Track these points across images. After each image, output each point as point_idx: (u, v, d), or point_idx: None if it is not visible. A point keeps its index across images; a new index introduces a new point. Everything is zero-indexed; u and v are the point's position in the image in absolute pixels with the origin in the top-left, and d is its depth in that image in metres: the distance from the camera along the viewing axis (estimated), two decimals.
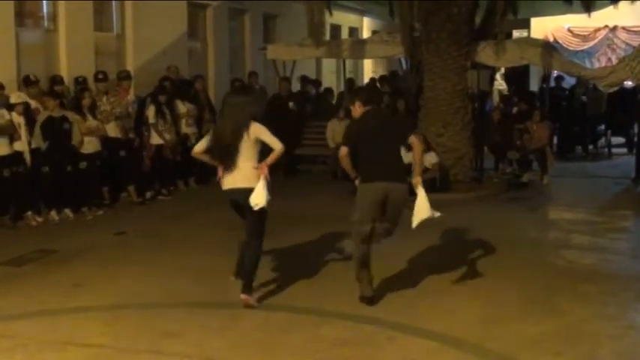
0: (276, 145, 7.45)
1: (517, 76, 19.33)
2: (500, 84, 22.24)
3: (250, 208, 7.36)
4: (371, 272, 7.58)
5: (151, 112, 13.11)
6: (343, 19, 24.90)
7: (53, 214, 11.40)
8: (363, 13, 26.79)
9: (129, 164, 12.76)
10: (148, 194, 13.06)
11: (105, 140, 12.25)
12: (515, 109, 16.36)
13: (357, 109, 7.72)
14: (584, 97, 19.48)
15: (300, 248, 9.71)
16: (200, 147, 7.76)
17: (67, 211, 11.58)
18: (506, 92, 20.78)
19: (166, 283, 8.26)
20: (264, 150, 7.54)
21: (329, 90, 18.71)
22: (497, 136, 15.22)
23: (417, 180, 7.54)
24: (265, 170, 7.41)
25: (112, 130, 12.42)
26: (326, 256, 9.24)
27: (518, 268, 8.69)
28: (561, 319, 7.02)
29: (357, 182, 7.61)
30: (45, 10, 13.37)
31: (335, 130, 15.52)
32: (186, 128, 13.96)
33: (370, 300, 7.47)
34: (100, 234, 10.59)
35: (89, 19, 13.99)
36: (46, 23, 13.42)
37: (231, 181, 7.48)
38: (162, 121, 13.18)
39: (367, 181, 7.48)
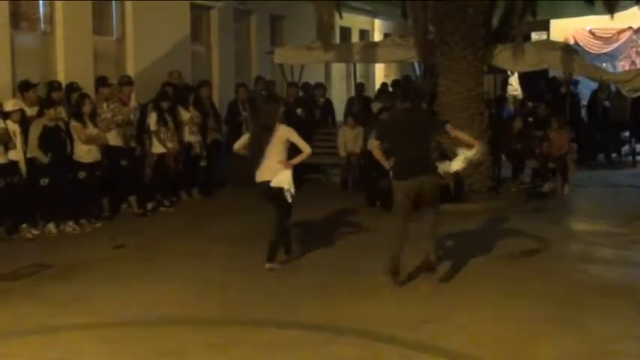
0: (305, 148, 9.19)
1: (528, 80, 19.29)
2: (514, 89, 22.17)
3: (278, 195, 8.99)
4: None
5: (152, 119, 13.10)
6: (354, 21, 24.92)
7: (51, 226, 11.39)
8: (374, 15, 26.80)
9: (130, 174, 12.71)
10: (150, 205, 13.04)
11: (105, 149, 12.23)
12: (530, 119, 16.20)
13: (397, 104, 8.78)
14: (606, 103, 19.41)
15: (310, 262, 9.67)
16: (240, 144, 9.47)
17: (71, 224, 11.57)
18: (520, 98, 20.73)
19: (168, 298, 8.22)
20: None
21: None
22: (516, 144, 15.13)
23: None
24: (289, 166, 9.02)
25: (113, 138, 12.39)
26: (338, 271, 9.22)
27: (538, 283, 8.64)
28: (584, 337, 6.96)
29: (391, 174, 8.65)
30: (41, 12, 13.38)
31: (346, 137, 15.47)
32: (189, 136, 13.90)
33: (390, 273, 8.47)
34: (99, 247, 10.56)
35: (88, 22, 14.00)
36: (42, 26, 13.44)
37: (261, 175, 9.10)
38: (164, 129, 13.17)
39: (399, 179, 8.46)
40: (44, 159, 11.23)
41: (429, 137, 8.94)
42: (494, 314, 7.59)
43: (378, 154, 8.74)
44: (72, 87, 12.51)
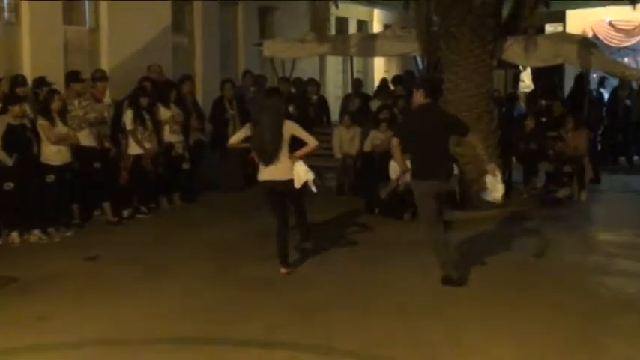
0: (312, 142, 9.57)
1: (543, 74, 19.24)
2: (527, 86, 22.14)
3: (290, 194, 9.56)
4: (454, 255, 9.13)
5: (128, 117, 13.02)
6: (351, 11, 24.92)
7: (15, 235, 11.32)
8: (373, 4, 26.79)
9: (104, 178, 12.67)
10: (126, 213, 12.98)
11: (77, 150, 12.14)
12: (543, 118, 16.16)
13: (418, 98, 9.09)
14: (627, 101, 19.40)
15: (302, 275, 9.63)
16: (237, 139, 9.78)
17: (37, 233, 11.49)
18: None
19: (145, 316, 8.16)
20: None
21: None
22: (528, 146, 15.08)
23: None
24: (297, 159, 9.48)
25: (85, 138, 12.32)
26: (332, 285, 9.18)
27: (553, 299, 8.59)
28: (603, 358, 6.92)
29: (407, 176, 9.37)
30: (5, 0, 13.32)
31: (342, 138, 15.42)
32: (170, 136, 13.84)
33: (454, 281, 8.88)
34: (69, 259, 10.49)
35: (58, 10, 13.94)
36: (7, 15, 13.38)
37: (269, 173, 9.47)
38: (141, 128, 13.10)
39: (423, 178, 8.92)
40: (8, 161, 11.15)
41: (448, 138, 9.27)
42: (503, 334, 7.52)
43: (398, 154, 9.15)
44: (41, 81, 12.42)
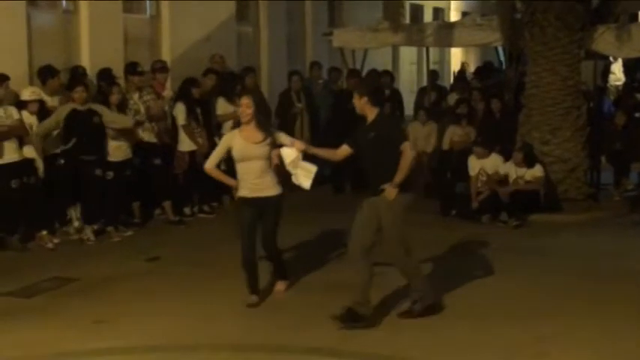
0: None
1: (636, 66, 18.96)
2: (617, 79, 21.82)
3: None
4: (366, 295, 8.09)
5: (181, 111, 12.90)
6: None
7: (88, 231, 11.49)
8: None
9: (165, 175, 12.79)
10: (187, 210, 13.11)
11: (137, 146, 12.28)
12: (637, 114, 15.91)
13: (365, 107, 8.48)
14: None
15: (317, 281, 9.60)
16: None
17: (111, 230, 11.75)
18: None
19: (208, 320, 8.25)
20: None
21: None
22: (619, 144, 14.91)
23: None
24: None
25: (146, 133, 12.46)
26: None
27: None
28: None
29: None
30: None
31: (417, 134, 15.26)
32: None
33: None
34: (129, 260, 10.64)
35: None
36: (64, 4, 13.56)
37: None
38: (194, 124, 13.04)
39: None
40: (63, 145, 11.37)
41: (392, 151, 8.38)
42: (591, 350, 7.43)
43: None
44: (105, 74, 12.55)
